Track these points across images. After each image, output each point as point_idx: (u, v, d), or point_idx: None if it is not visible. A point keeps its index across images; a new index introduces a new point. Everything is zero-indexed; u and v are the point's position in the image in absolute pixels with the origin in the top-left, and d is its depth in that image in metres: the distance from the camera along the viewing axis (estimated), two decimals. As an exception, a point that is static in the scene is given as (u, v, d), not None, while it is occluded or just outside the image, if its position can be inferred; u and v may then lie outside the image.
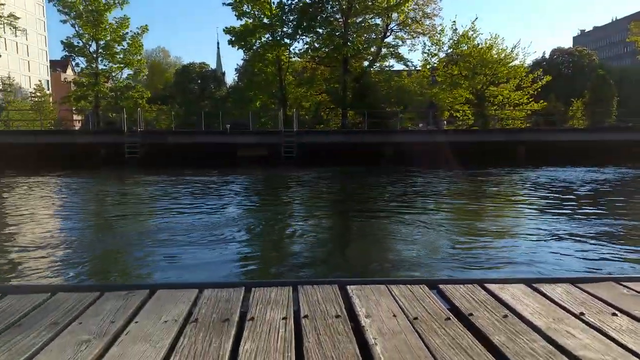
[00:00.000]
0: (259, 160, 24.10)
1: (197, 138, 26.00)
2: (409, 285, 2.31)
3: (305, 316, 1.94)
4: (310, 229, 8.75)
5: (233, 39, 34.94)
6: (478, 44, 33.65)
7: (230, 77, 72.46)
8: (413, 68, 36.40)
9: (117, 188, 15.94)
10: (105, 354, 1.62)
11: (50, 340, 1.72)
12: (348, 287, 2.28)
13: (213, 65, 68.20)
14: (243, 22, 34.90)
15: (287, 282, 2.38)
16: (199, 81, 57.10)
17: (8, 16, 37.66)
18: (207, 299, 2.14)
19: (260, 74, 36.26)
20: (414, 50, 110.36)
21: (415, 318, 1.92)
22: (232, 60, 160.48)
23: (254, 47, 35.54)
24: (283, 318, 1.93)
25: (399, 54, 35.50)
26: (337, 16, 34.95)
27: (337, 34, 34.24)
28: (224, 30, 35.53)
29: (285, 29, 35.00)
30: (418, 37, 35.48)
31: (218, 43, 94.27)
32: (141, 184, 17.09)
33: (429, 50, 35.11)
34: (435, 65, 35.42)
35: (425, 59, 35.53)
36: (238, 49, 35.96)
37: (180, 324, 1.87)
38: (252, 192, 15.54)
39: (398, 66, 37.06)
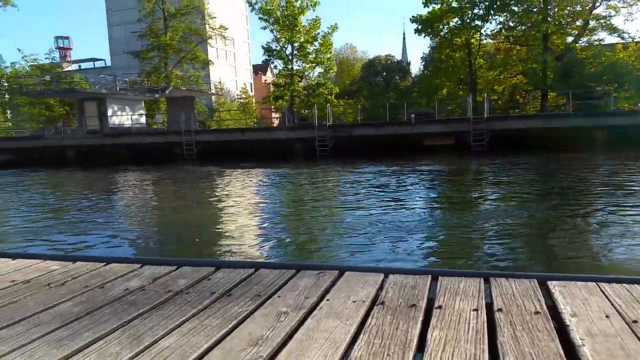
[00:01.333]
0: (446, 149, 23.47)
1: (381, 129, 26.43)
2: (625, 285, 1.99)
3: (499, 309, 1.81)
4: (504, 220, 8.19)
5: (419, 27, 34.71)
6: None
7: (416, 67, 72.02)
8: (630, 40, 31.22)
9: (307, 179, 17.18)
10: (301, 325, 1.74)
11: (254, 310, 1.91)
12: (549, 282, 2.06)
13: (398, 57, 68.69)
14: (430, 9, 34.34)
15: (477, 272, 2.24)
16: (384, 73, 58.00)
17: (219, 27, 43.47)
18: (393, 283, 2.15)
19: (448, 60, 35.34)
20: (632, 20, 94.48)
21: (635, 321, 1.65)
22: (417, 50, 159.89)
23: (442, 33, 34.74)
24: (474, 309, 1.82)
25: (612, 25, 30.87)
26: (536, -10, 31.97)
27: (534, 10, 31.33)
28: (410, 20, 35.58)
29: (475, 11, 33.39)
30: (637, 4, 30.35)
31: (404, 33, 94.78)
32: (329, 175, 18.13)
33: (652, 16, 29.79)
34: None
35: (647, 28, 30.22)
36: (425, 36, 35.66)
37: (367, 305, 1.91)
38: (438, 184, 15.21)
39: (610, 39, 32.24)
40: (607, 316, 1.71)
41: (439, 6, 34.03)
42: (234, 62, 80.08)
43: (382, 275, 2.26)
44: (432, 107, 31.89)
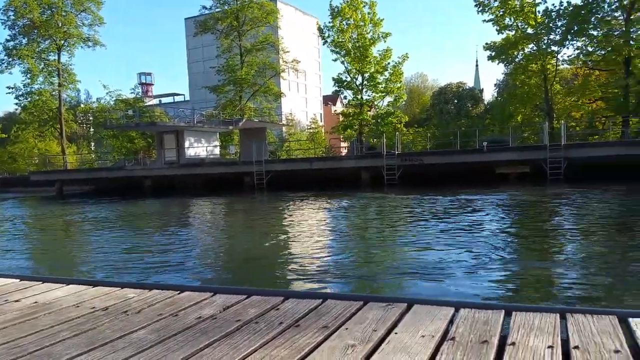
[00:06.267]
0: (521, 178, 22.53)
1: (452, 158, 25.90)
2: None
3: (576, 347, 1.72)
4: (580, 254, 7.70)
5: (493, 54, 34.10)
6: None
7: (489, 94, 70.25)
8: None
9: (375, 207, 17.04)
10: (369, 359, 1.74)
11: (322, 342, 1.92)
12: (631, 319, 1.93)
13: (470, 84, 67.39)
14: (504, 36, 33.71)
15: (553, 308, 2.15)
16: (456, 101, 57.09)
17: (292, 61, 44.94)
18: (464, 318, 2.10)
19: (523, 86, 34.28)
20: None
21: None
22: (490, 76, 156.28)
23: (516, 60, 33.88)
24: (549, 346, 1.74)
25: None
26: (616, 14, 30.58)
27: (616, 33, 29.84)
28: (483, 47, 35.10)
29: (552, 36, 32.40)
30: None
31: (477, 60, 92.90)
32: (397, 203, 17.91)
33: None
34: None
35: None
36: (498, 63, 34.90)
37: (437, 340, 1.87)
38: (512, 213, 14.58)
39: None
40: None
41: (513, 33, 33.33)
42: (305, 93, 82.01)
43: (452, 310, 2.21)
44: (505, 135, 30.86)
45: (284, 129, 52.86)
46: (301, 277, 6.83)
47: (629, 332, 1.84)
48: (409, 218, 13.45)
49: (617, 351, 1.67)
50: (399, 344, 1.85)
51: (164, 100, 78.06)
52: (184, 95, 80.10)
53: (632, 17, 29.35)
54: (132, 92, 50.80)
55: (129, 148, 46.47)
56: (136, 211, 20.39)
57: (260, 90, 42.72)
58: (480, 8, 33.54)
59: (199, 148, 34.47)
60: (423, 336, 1.91)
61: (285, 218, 15.21)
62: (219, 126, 35.73)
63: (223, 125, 35.87)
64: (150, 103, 66.76)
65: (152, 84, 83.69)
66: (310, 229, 12.05)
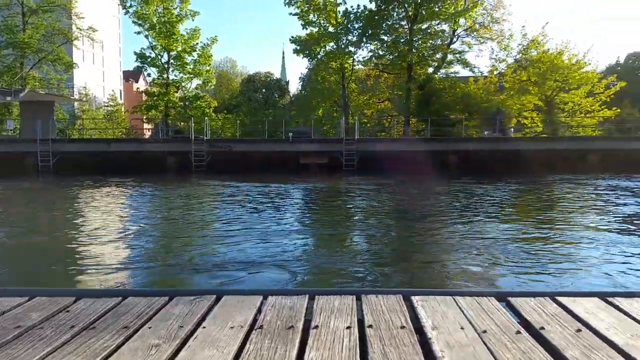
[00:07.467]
0: (321, 168, 24.30)
1: (260, 146, 26.59)
2: (476, 298, 2.23)
3: (370, 326, 1.92)
4: (370, 239, 8.68)
5: (298, 48, 35.68)
6: (548, 49, 32.47)
7: (294, 86, 73.73)
8: (480, 74, 35.50)
9: (181, 194, 16.58)
10: (174, 358, 1.66)
11: (122, 344, 1.77)
12: (413, 297, 2.23)
13: (278, 74, 69.75)
14: (308, 31, 35.51)
15: (350, 290, 2.35)
16: (264, 90, 58.51)
17: (87, 29, 40.30)
18: (272, 305, 2.16)
19: (324, 82, 36.71)
20: (481, 56, 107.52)
21: (484, 331, 1.86)
22: (296, 69, 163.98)
23: (319, 56, 36.06)
24: (347, 327, 1.91)
25: (465, 60, 34.82)
26: (403, 23, 34.86)
27: (402, 41, 34.11)
28: (289, 40, 36.43)
29: (349, 37, 35.33)
30: (486, 43, 34.79)
31: (283, 52, 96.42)
32: (205, 190, 17.70)
33: (496, 55, 34.42)
34: (503, 71, 34.47)
35: (493, 65, 34.85)
36: (303, 57, 36.66)
37: (246, 330, 1.89)
38: (312, 201, 15.65)
39: (464, 72, 36.26)
40: (462, 328, 1.89)
41: (316, 29, 35.34)
42: (103, 66, 74.86)
43: (260, 298, 2.24)
44: (309, 127, 32.91)
45: (76, 104, 47.27)
46: (96, 273, 6.18)
47: (412, 308, 2.12)
48: (216, 205, 13.37)
49: (402, 327, 1.91)
50: (208, 337, 1.82)
51: None
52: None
53: (415, 27, 33.85)
54: None
55: None
56: None
57: (48, 57, 37.39)
58: (287, 0, 34.73)
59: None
60: (232, 327, 1.90)
61: (76, 207, 13.67)
62: (-8, 95, 30.17)
63: (-1, 94, 30.40)
64: None
65: None
66: (106, 219, 11.06)
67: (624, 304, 2.14)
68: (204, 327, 1.91)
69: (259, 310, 2.10)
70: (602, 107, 32.36)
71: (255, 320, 2.00)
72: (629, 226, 9.37)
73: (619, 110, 33.33)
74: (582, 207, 12.64)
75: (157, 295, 2.32)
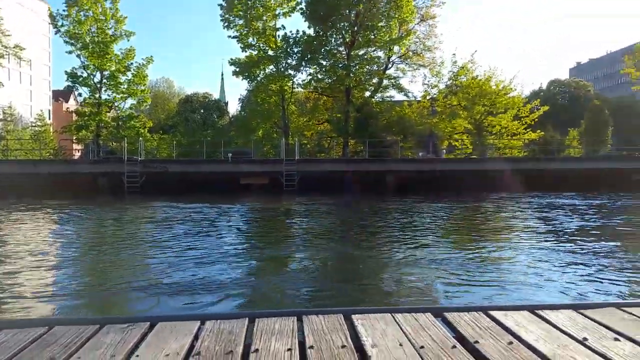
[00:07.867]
0: (261, 188, 24.13)
1: (199, 167, 26.07)
2: (414, 314, 2.29)
3: (311, 347, 1.90)
4: (311, 259, 8.67)
5: (237, 70, 35.55)
6: (477, 75, 34.50)
7: (233, 107, 73.27)
8: (413, 99, 37.01)
9: (113, 217, 15.88)
10: None
11: None
12: (353, 316, 2.24)
13: (216, 95, 69.04)
14: (248, 54, 35.55)
15: (291, 311, 2.33)
16: (202, 111, 57.68)
17: (14, 47, 38.23)
18: (210, 331, 2.09)
19: (264, 104, 36.73)
20: (415, 82, 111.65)
21: (422, 347, 1.90)
22: (235, 90, 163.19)
23: (258, 78, 36.10)
24: (288, 349, 1.88)
25: (400, 85, 36.19)
26: (341, 49, 35.77)
27: (340, 65, 34.90)
28: (229, 62, 36.25)
29: (289, 61, 35.66)
30: (419, 69, 36.41)
31: (222, 74, 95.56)
32: (137, 213, 17.05)
33: (429, 81, 36.15)
34: (435, 96, 36.14)
35: (426, 90, 36.62)
36: (242, 79, 36.54)
37: (182, 358, 1.82)
38: (252, 222, 15.48)
39: (399, 97, 37.64)
40: (400, 344, 1.92)
41: (255, 52, 35.47)
42: (30, 85, 71.21)
43: (198, 323, 2.18)
44: (249, 147, 32.65)
45: (0, 124, 44.45)
46: (19, 302, 5.74)
47: (352, 327, 2.13)
48: (149, 228, 12.88)
49: (343, 346, 1.91)
50: (141, 367, 1.73)
51: None
52: None
53: (352, 53, 34.83)
54: None
55: None
56: None
57: (-32, 75, 35.02)
58: (226, 24, 34.75)
59: None
60: (167, 355, 1.83)
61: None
62: None
63: None
64: None
65: None
66: (30, 244, 10.36)
67: (550, 315, 2.26)
68: (137, 356, 1.83)
69: (196, 337, 2.03)
70: (527, 129, 34.63)
71: (192, 346, 1.93)
72: (555, 240, 9.96)
73: (542, 132, 35.83)
74: (510, 224, 13.32)
75: (86, 323, 2.20)
